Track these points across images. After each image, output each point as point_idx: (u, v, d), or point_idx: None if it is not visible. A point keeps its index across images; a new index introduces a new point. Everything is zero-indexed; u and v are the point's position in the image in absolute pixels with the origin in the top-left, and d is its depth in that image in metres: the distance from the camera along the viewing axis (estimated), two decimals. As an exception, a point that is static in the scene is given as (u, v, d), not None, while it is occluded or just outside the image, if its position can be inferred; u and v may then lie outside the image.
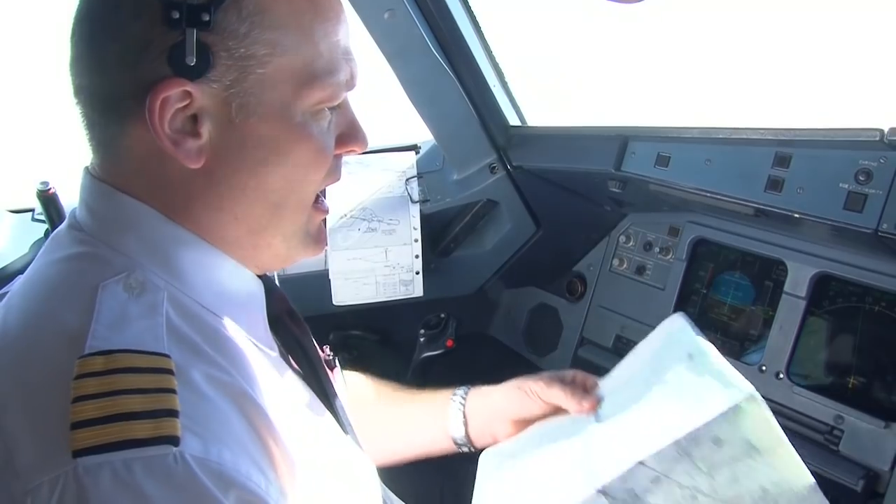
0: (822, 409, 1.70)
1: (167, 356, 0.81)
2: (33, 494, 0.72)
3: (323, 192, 1.04)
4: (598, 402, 1.28)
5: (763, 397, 1.06)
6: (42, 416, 0.77)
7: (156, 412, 0.76)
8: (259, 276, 1.05)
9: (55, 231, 1.00)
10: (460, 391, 1.46)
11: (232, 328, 0.95)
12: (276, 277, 1.52)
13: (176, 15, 0.84)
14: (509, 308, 2.60)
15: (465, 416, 1.43)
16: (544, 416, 1.36)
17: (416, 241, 2.15)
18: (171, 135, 0.87)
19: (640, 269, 2.20)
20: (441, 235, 2.31)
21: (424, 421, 1.47)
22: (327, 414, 1.10)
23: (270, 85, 0.90)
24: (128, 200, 0.92)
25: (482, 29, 2.05)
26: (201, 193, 0.93)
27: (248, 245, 0.98)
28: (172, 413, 0.76)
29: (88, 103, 0.91)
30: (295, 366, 1.11)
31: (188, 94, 0.86)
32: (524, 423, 1.38)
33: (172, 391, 0.78)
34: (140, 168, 0.91)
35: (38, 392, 0.79)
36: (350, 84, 0.98)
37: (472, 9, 2.02)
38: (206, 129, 0.89)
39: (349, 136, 1.03)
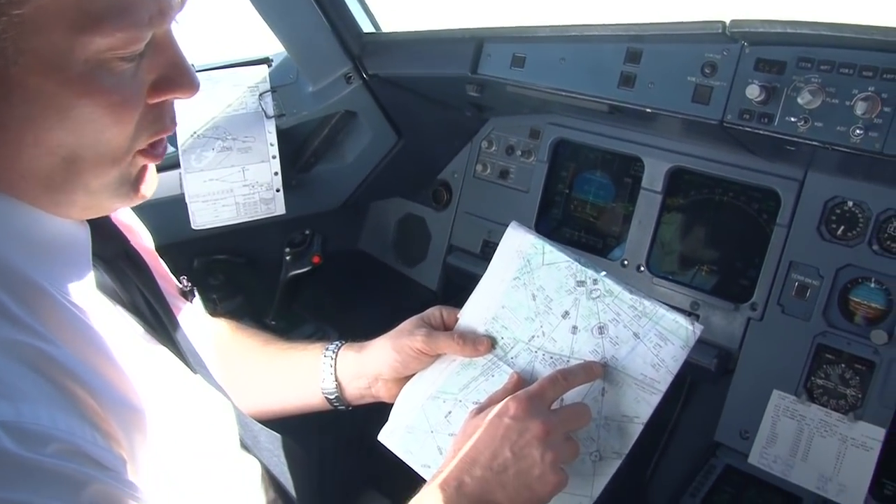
0: (680, 297, 1.79)
1: None
2: None
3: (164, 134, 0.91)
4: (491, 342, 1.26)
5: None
6: None
7: None
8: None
9: None
10: (331, 348, 1.38)
11: (44, 282, 0.84)
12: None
13: None
14: (376, 220, 2.57)
15: (336, 379, 1.36)
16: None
17: (274, 157, 2.06)
18: None
19: (504, 174, 2.21)
20: (300, 150, 2.23)
21: (296, 378, 1.39)
22: (173, 358, 1.04)
23: (33, 29, 0.73)
24: None
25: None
26: None
27: (47, 202, 0.86)
28: None
29: None
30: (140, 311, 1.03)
31: None
32: (403, 379, 1.32)
33: None
34: None
35: None
36: (158, 20, 0.80)
37: None
38: None
39: (171, 79, 0.87)
